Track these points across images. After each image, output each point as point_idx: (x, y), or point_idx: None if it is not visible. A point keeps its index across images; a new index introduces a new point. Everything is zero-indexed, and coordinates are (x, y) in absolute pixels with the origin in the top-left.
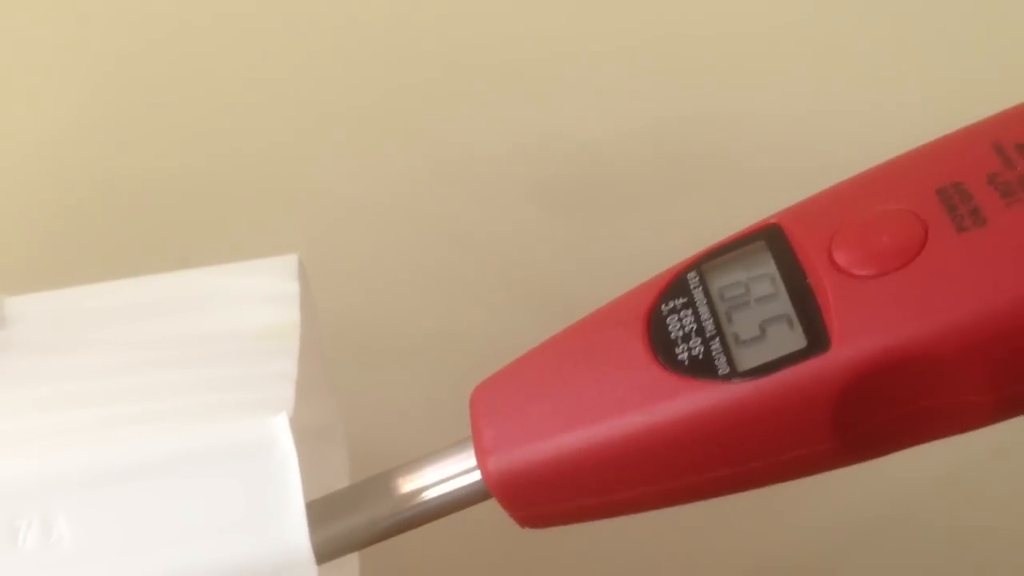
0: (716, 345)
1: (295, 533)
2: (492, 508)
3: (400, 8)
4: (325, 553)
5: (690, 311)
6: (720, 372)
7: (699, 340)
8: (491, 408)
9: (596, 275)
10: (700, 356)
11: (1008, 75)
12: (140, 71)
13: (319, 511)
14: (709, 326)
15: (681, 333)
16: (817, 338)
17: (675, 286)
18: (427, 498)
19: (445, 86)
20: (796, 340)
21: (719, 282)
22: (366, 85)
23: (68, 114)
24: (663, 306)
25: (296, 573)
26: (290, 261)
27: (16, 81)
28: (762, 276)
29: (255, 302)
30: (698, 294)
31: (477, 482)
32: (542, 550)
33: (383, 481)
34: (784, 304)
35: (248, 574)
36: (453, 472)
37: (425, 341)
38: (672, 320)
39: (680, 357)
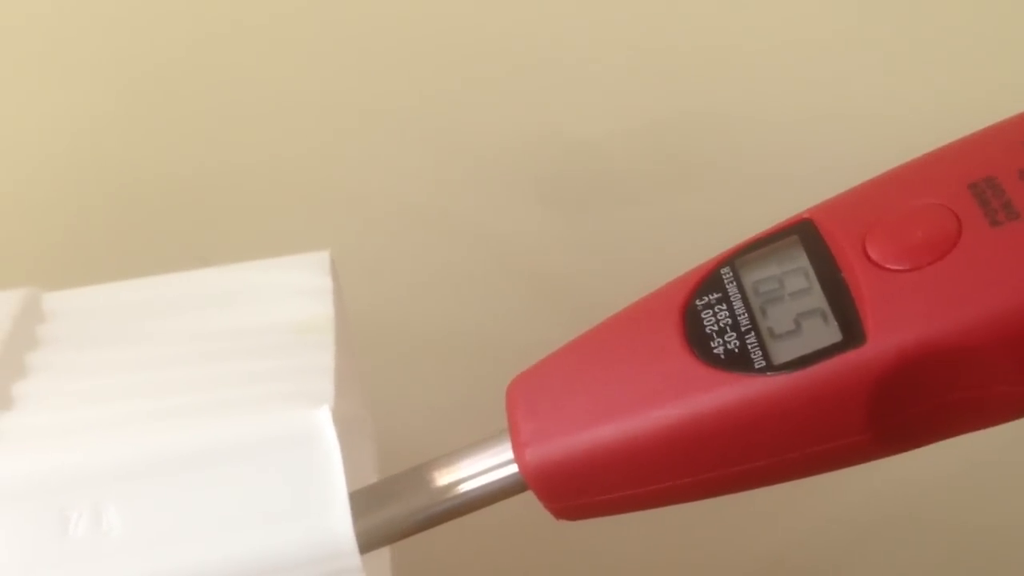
0: (751, 339)
1: (339, 523)
2: (513, 507)
3: (412, 9)
4: (368, 543)
5: (724, 306)
6: (756, 366)
7: (734, 334)
8: (528, 401)
9: (618, 276)
10: (736, 350)
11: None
12: (173, 71)
13: (361, 501)
14: (744, 320)
15: (716, 327)
16: (852, 332)
17: (709, 281)
18: (465, 490)
19: (463, 87)
20: (831, 334)
21: (753, 277)
22: (388, 88)
23: (103, 112)
24: (698, 301)
25: (340, 562)
26: (322, 258)
27: (52, 78)
28: (796, 270)
29: (290, 296)
30: (732, 289)
31: (514, 474)
32: (554, 547)
33: (421, 473)
34: (818, 298)
35: (292, 563)
36: (491, 464)
37: (447, 338)
38: (707, 315)
39: (716, 351)
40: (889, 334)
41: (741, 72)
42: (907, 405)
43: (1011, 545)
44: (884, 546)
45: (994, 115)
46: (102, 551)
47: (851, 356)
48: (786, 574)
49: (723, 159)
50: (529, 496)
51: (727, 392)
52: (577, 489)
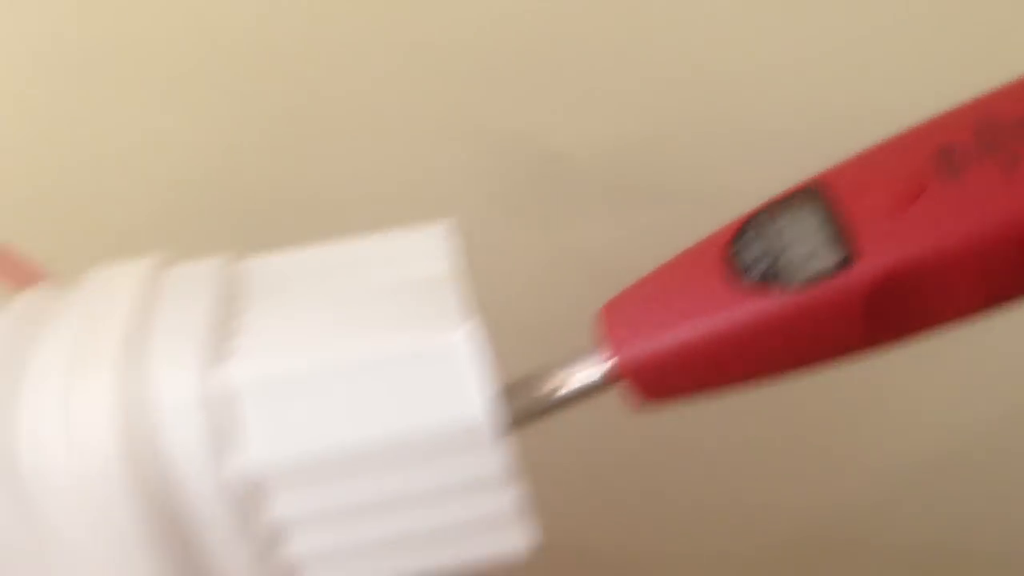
0: (777, 265)
1: (481, 412)
2: None
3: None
4: (502, 430)
5: (757, 243)
6: (782, 285)
7: (765, 263)
8: (618, 313)
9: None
10: (766, 276)
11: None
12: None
13: (498, 396)
14: (771, 253)
15: (750, 260)
16: (848, 257)
17: (743, 227)
18: (573, 386)
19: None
20: (834, 258)
21: (777, 223)
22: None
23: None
24: (734, 242)
25: (479, 446)
26: (446, 225)
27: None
28: (808, 215)
29: (423, 256)
30: (761, 231)
31: (612, 368)
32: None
33: (536, 375)
34: (823, 236)
35: (438, 449)
36: (589, 365)
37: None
38: (742, 251)
39: (751, 275)
40: (875, 258)
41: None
42: (892, 310)
43: None
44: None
45: None
46: None
47: (848, 273)
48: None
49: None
50: None
51: (760, 307)
52: (663, 379)
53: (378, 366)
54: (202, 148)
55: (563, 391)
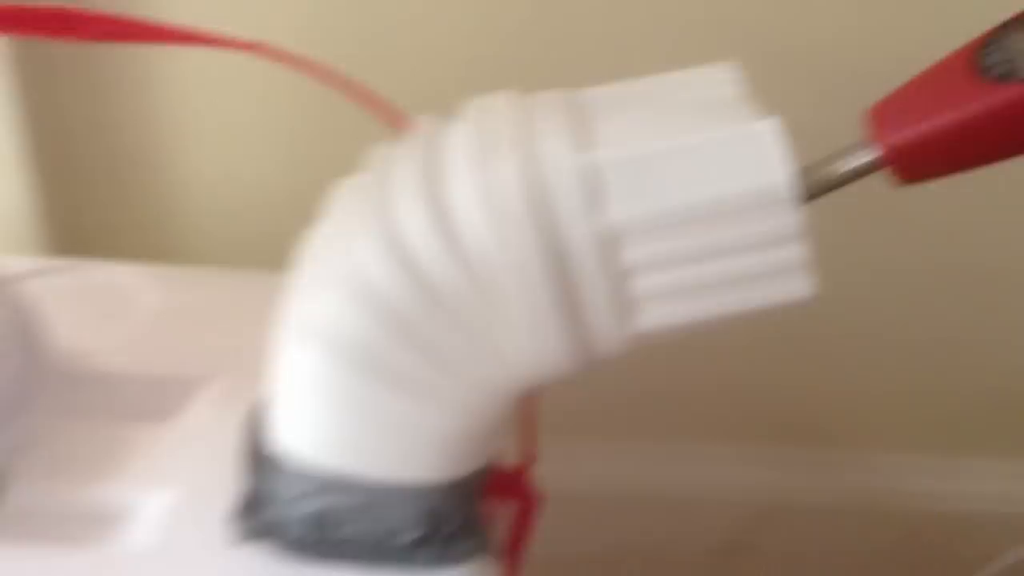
0: (1013, 65)
1: (784, 182)
2: None
3: None
4: (799, 199)
5: (997, 52)
6: (1017, 80)
7: (1004, 66)
8: (883, 111)
9: None
10: (1004, 74)
11: None
12: None
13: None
14: (1008, 58)
15: (992, 63)
16: None
17: (986, 39)
18: (849, 167)
19: None
20: None
21: (1012, 36)
22: None
23: None
24: (979, 50)
25: (781, 211)
26: (732, 64)
27: None
28: None
29: (718, 83)
30: (1002, 43)
31: (879, 154)
32: None
33: (822, 161)
34: None
35: (748, 210)
36: (862, 153)
37: None
38: (985, 58)
39: (992, 74)
40: None
41: None
42: None
43: None
44: None
45: None
46: None
47: None
48: None
49: None
50: None
51: (998, 98)
52: (915, 163)
53: (705, 148)
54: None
55: (843, 170)
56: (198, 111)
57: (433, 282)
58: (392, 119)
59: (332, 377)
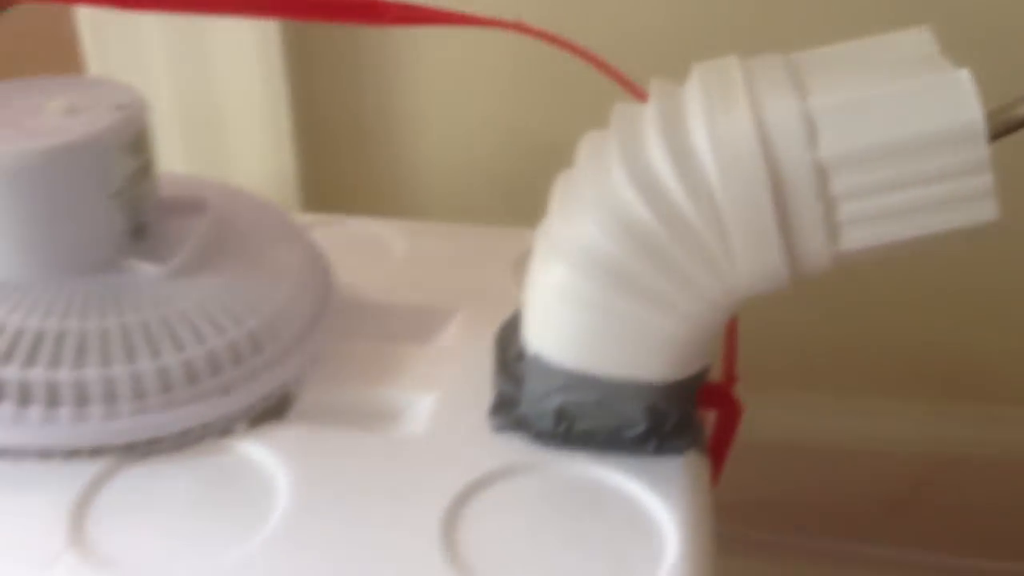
0: None
1: (978, 121)
2: None
3: None
4: (988, 137)
5: None
6: None
7: None
8: None
9: None
10: None
11: None
12: None
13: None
14: None
15: None
16: None
17: None
18: None
19: None
20: None
21: None
22: None
23: None
24: None
25: (973, 145)
26: (926, 30)
27: None
28: None
29: (912, 44)
30: None
31: None
32: None
33: (1004, 106)
34: None
35: (945, 144)
36: None
37: None
38: None
39: None
40: None
41: None
42: None
43: None
44: None
45: None
46: None
47: None
48: None
49: None
50: None
51: None
52: None
53: (906, 93)
54: None
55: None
56: (438, 93)
57: (676, 209)
58: (637, 94)
59: (583, 289)
